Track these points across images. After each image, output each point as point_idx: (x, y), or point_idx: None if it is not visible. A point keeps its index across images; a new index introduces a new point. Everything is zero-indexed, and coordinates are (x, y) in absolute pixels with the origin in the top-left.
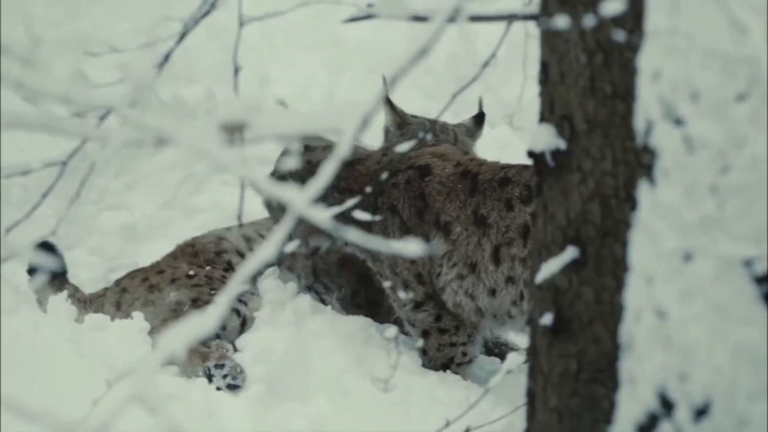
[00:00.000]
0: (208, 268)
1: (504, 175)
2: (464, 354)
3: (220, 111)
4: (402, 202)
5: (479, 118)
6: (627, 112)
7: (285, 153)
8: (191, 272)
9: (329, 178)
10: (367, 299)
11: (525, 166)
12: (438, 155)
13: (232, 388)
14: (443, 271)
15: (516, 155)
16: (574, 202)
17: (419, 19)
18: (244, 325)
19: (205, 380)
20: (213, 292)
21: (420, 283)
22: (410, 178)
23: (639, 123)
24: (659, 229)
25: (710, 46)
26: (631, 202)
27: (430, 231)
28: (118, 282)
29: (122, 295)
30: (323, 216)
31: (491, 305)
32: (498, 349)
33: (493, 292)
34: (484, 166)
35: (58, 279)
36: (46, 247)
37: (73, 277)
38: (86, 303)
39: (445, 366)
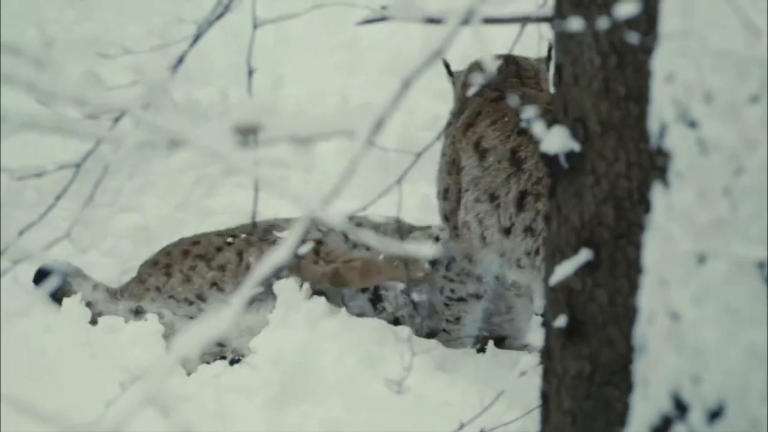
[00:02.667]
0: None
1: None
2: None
3: (233, 113)
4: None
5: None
6: (641, 114)
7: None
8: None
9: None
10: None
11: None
12: (515, 85)
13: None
14: (468, 193)
15: None
16: (587, 205)
17: (433, 21)
18: None
19: (218, 383)
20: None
21: (444, 198)
22: (495, 99)
23: (653, 125)
24: (673, 231)
25: (723, 48)
26: (645, 205)
27: (465, 152)
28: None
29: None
30: (338, 219)
31: (501, 243)
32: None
33: (507, 232)
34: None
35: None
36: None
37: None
38: (117, 293)
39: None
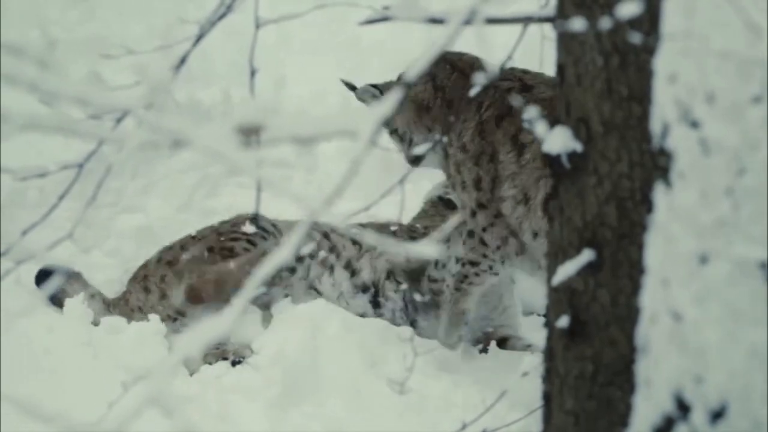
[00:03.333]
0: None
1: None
2: (491, 267)
3: (236, 113)
4: (490, 105)
5: None
6: (643, 114)
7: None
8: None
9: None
10: None
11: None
12: (545, 83)
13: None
14: (505, 187)
15: None
16: (590, 205)
17: (436, 21)
18: None
19: (220, 383)
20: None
21: (477, 189)
22: (511, 87)
23: (655, 125)
24: (675, 231)
25: (726, 48)
26: (647, 205)
27: (503, 145)
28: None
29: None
30: (341, 220)
31: (531, 245)
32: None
33: (535, 235)
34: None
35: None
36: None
37: (89, 279)
38: (110, 306)
39: (463, 276)
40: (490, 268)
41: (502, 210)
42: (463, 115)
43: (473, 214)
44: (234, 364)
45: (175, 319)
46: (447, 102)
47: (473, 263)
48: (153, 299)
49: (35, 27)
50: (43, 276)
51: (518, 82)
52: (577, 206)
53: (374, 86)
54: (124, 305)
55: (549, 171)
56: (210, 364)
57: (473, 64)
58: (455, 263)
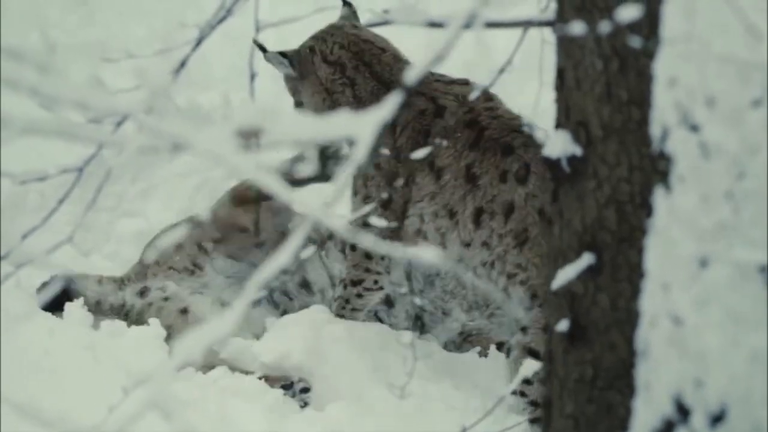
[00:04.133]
0: None
1: (510, 142)
2: (376, 282)
3: (236, 117)
4: (405, 129)
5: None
6: (643, 118)
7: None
8: None
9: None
10: None
11: (532, 139)
12: (456, 98)
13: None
14: (421, 205)
15: None
16: (590, 209)
17: (435, 25)
18: None
19: (220, 387)
20: None
21: (383, 208)
22: (425, 110)
23: (655, 129)
24: (675, 235)
25: (725, 52)
26: (647, 209)
27: (420, 170)
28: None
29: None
30: (340, 223)
31: (461, 253)
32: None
33: (467, 245)
34: (496, 121)
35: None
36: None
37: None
38: (123, 281)
39: (345, 300)
40: (375, 282)
41: (408, 227)
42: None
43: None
44: (302, 391)
45: (192, 271)
46: (357, 100)
47: (355, 282)
48: (169, 253)
49: (35, 30)
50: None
51: (431, 103)
52: (577, 210)
53: (283, 54)
54: (139, 265)
55: (551, 175)
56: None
57: (392, 67)
58: (336, 286)
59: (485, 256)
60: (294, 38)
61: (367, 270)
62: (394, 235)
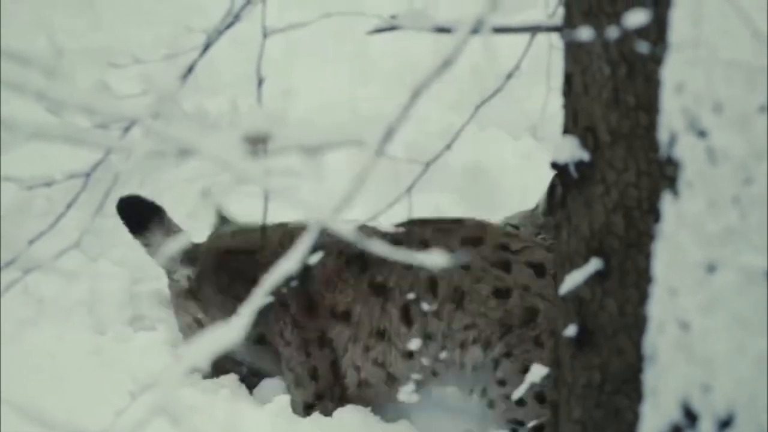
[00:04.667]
0: None
1: (399, 239)
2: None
3: (243, 122)
4: (292, 300)
5: None
6: (650, 123)
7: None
8: None
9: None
10: None
11: (413, 222)
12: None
13: None
14: (348, 354)
15: (539, 167)
16: (597, 214)
17: (443, 30)
18: None
19: (228, 392)
20: None
21: (314, 379)
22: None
23: (662, 135)
24: (682, 240)
25: (733, 57)
26: (655, 214)
27: (330, 324)
28: None
29: None
30: (347, 228)
31: (407, 367)
32: None
33: (409, 355)
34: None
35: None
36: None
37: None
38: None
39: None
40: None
41: (349, 384)
42: (273, 315)
43: (309, 408)
44: None
45: None
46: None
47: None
48: None
49: (42, 36)
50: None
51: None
52: (585, 215)
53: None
54: None
55: (557, 179)
56: None
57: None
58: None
59: (435, 349)
60: (302, 43)
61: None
62: (342, 399)
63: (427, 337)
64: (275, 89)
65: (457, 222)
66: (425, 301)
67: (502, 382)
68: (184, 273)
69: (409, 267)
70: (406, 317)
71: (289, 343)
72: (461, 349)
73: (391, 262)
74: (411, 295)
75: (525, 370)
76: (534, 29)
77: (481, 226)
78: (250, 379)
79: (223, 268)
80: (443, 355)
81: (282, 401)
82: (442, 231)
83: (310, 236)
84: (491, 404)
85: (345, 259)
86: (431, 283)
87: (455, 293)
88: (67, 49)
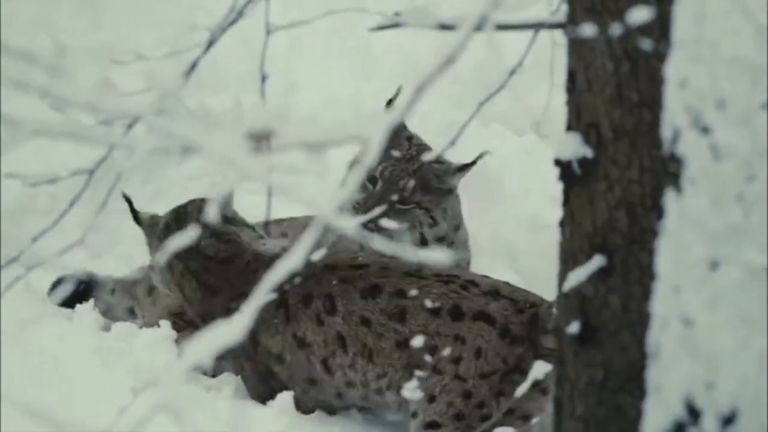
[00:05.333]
0: None
1: (308, 292)
2: None
3: (246, 119)
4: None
5: (465, 166)
6: (654, 120)
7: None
8: None
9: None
10: None
11: (327, 267)
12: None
13: None
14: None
15: (542, 163)
16: (600, 211)
17: (446, 27)
18: None
19: (231, 389)
20: None
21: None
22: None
23: (666, 131)
24: (686, 237)
25: (736, 54)
26: (658, 211)
27: (270, 361)
28: None
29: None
30: (350, 224)
31: (342, 403)
32: None
33: (339, 395)
34: (293, 288)
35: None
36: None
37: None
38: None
39: None
40: None
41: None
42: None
43: None
44: None
45: None
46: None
47: None
48: None
49: (45, 33)
50: (56, 286)
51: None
52: (588, 212)
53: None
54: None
55: (562, 177)
56: None
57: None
58: None
59: (359, 394)
60: (305, 40)
61: None
62: None
63: (348, 385)
64: (278, 86)
65: (361, 268)
66: (338, 357)
67: (414, 414)
68: None
69: (320, 322)
70: (327, 368)
71: (244, 369)
72: (379, 394)
73: (306, 315)
74: (326, 351)
75: (431, 399)
76: (537, 26)
77: (383, 270)
78: None
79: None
80: (365, 400)
81: (285, 399)
82: (345, 281)
83: (314, 233)
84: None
85: (276, 304)
86: (340, 339)
87: (364, 349)
88: (71, 46)
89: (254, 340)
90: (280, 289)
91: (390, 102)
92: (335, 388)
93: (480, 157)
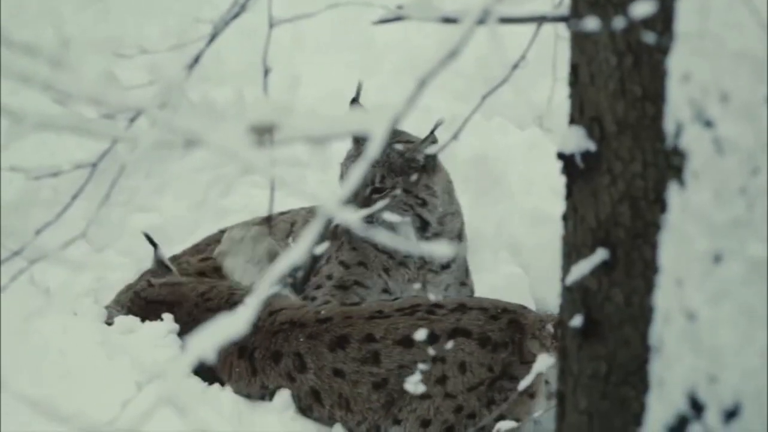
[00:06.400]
0: None
1: (277, 349)
2: None
3: (249, 112)
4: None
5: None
6: (657, 114)
7: None
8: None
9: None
10: None
11: (293, 323)
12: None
13: None
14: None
15: (545, 157)
16: (603, 204)
17: (449, 20)
18: None
19: None
20: None
21: None
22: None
23: (669, 125)
24: (689, 230)
25: (740, 48)
26: (661, 204)
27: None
28: None
29: None
30: (353, 217)
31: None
32: None
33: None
34: (260, 335)
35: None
36: None
37: (103, 278)
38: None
39: None
40: None
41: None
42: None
43: None
44: None
45: None
46: None
47: None
48: None
49: (49, 26)
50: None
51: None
52: (591, 206)
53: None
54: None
55: (565, 171)
56: None
57: None
58: None
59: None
60: (308, 34)
61: None
62: None
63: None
64: (282, 79)
65: (326, 321)
66: (315, 410)
67: None
68: None
69: (292, 379)
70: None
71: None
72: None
73: (276, 372)
74: (302, 404)
75: (426, 423)
76: (540, 19)
77: (347, 319)
78: None
79: None
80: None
81: (285, 395)
82: (311, 337)
83: (317, 225)
84: None
85: (236, 353)
86: (315, 394)
87: (340, 399)
88: (74, 40)
89: (213, 377)
90: (245, 340)
91: (354, 100)
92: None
93: (437, 125)
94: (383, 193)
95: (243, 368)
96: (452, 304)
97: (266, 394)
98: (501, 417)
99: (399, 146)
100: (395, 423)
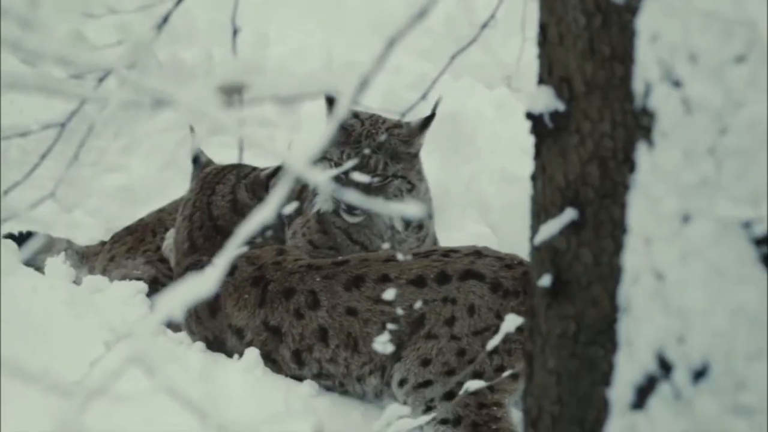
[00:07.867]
0: None
1: (292, 286)
2: None
3: (218, 72)
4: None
5: (427, 121)
6: (626, 74)
7: None
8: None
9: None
10: None
11: (310, 266)
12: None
13: None
14: None
15: (514, 117)
16: (572, 164)
17: None
18: None
19: (202, 343)
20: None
21: None
22: None
23: (637, 85)
24: (658, 191)
25: (709, 8)
26: (630, 164)
27: (225, 332)
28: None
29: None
30: (321, 177)
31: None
32: None
33: (300, 378)
34: (279, 273)
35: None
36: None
37: (72, 238)
38: (82, 257)
39: None
40: None
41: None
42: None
43: None
44: None
45: None
46: None
47: None
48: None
49: None
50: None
51: None
52: (560, 165)
53: None
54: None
55: (534, 130)
56: None
57: None
58: None
59: (329, 382)
60: None
61: None
62: None
63: (322, 376)
64: (250, 38)
65: (343, 264)
66: (317, 350)
67: (403, 381)
68: None
69: (300, 316)
70: (298, 359)
71: (193, 332)
72: (359, 382)
73: (284, 307)
74: (300, 345)
75: (426, 362)
76: None
77: (364, 261)
78: None
79: None
80: (339, 387)
81: (254, 353)
82: (328, 277)
83: (285, 184)
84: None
85: (251, 280)
86: (322, 332)
87: (348, 339)
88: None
89: (215, 304)
90: (261, 271)
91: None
92: (298, 376)
93: (437, 104)
94: (386, 181)
95: (252, 296)
96: (468, 250)
97: (254, 337)
98: (500, 368)
99: (400, 131)
100: (397, 361)
